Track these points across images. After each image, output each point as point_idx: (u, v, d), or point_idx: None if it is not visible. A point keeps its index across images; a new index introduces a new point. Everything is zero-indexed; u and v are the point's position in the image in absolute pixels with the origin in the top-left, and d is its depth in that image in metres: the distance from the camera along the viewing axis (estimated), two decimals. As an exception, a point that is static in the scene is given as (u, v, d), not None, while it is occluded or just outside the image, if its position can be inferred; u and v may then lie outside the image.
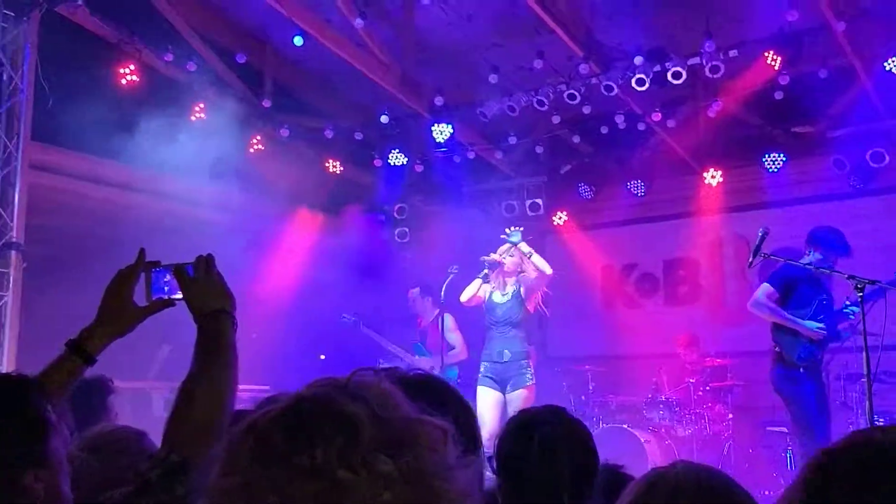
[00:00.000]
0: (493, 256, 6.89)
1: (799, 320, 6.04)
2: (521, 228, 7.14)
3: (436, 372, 7.91)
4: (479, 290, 6.90)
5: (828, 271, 5.81)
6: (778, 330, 6.11)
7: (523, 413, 2.30)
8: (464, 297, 6.93)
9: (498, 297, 6.90)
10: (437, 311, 8.11)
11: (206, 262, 1.96)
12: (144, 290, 2.00)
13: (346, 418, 0.95)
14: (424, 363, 7.95)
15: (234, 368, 1.80)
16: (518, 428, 2.20)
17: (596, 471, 2.15)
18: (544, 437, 2.14)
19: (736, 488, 1.60)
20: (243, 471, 0.94)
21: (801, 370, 5.88)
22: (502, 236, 7.08)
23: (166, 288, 2.01)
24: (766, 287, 6.19)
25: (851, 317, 5.82)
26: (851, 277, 5.26)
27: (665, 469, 1.64)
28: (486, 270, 6.84)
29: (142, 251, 2.02)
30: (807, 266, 5.86)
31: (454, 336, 8.07)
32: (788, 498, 1.17)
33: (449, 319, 7.99)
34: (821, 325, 5.94)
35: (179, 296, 1.97)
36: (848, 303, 5.89)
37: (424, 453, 0.96)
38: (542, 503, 2.05)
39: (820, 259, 5.92)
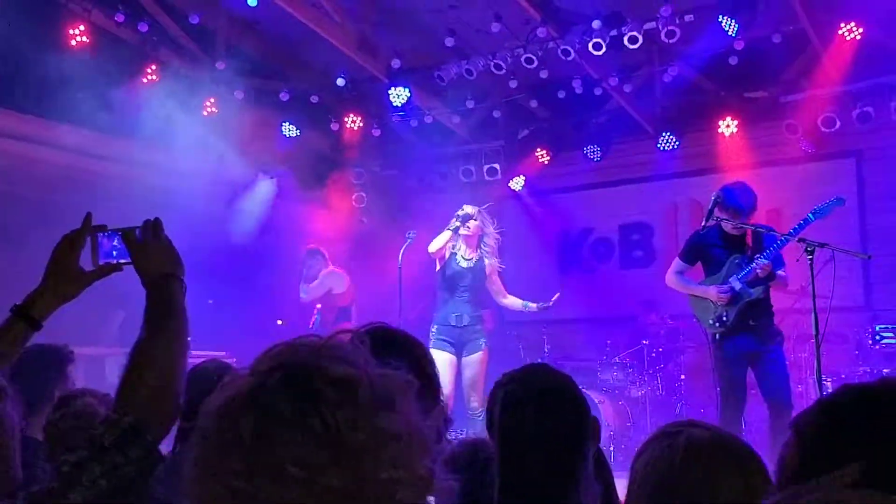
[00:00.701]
0: (467, 210, 6.78)
1: (697, 286, 6.04)
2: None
3: None
4: (447, 242, 6.81)
5: (747, 229, 5.75)
6: (691, 300, 6.13)
7: (512, 373, 2.25)
8: (432, 248, 6.79)
9: (462, 262, 6.83)
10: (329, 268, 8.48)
11: (155, 226, 1.93)
12: (91, 254, 1.96)
13: (343, 381, 0.97)
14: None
15: (185, 332, 1.78)
16: (510, 387, 2.16)
17: (588, 426, 2.13)
18: (538, 390, 2.12)
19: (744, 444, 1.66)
20: (247, 448, 0.94)
21: (717, 336, 5.86)
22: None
23: (115, 252, 1.97)
24: (675, 260, 6.25)
25: (759, 270, 5.63)
26: (801, 240, 5.36)
27: (678, 426, 1.69)
28: (457, 223, 6.73)
29: (88, 215, 1.98)
30: (704, 227, 5.80)
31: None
32: (788, 458, 1.20)
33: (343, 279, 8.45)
34: (723, 286, 5.80)
35: (127, 260, 1.93)
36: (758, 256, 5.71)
37: (407, 408, 0.99)
38: (540, 459, 2.04)
39: (724, 219, 5.72)
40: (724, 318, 5.82)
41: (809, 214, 5.60)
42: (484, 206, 6.97)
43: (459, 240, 6.82)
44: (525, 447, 2.05)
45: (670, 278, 6.24)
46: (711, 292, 5.87)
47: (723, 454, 1.61)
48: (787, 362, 5.95)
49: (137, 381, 1.65)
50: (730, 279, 5.80)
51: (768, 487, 1.46)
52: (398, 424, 0.97)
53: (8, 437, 1.60)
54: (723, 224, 5.74)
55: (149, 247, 1.90)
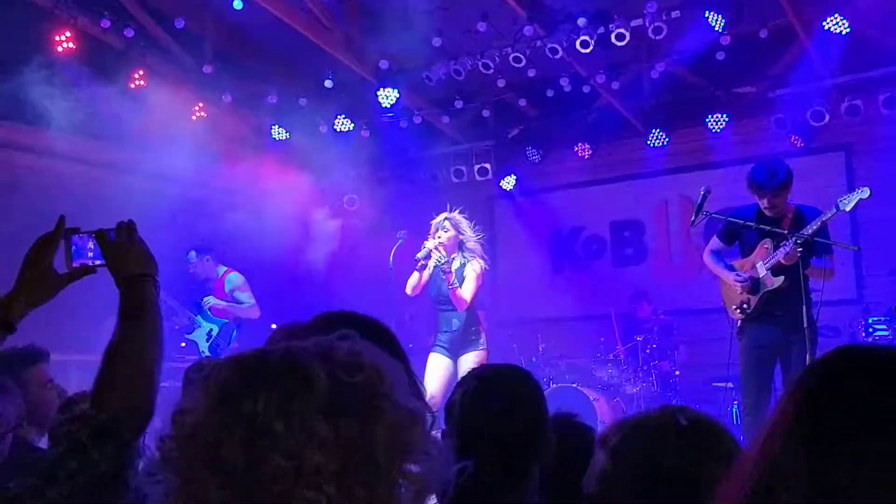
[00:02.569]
0: (423, 252, 6.69)
1: (723, 269, 5.86)
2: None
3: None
4: (420, 278, 6.76)
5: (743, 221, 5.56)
6: (721, 283, 5.97)
7: (476, 370, 2.32)
8: (409, 291, 6.79)
9: (443, 276, 6.69)
10: (222, 267, 8.29)
11: (128, 228, 1.95)
12: (65, 257, 1.97)
13: (301, 374, 0.97)
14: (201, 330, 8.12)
15: (159, 331, 1.80)
16: (471, 384, 2.22)
17: (544, 426, 2.17)
18: (498, 391, 2.17)
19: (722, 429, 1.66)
20: (200, 408, 0.97)
21: (740, 322, 5.72)
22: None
23: (90, 254, 1.98)
24: (713, 238, 6.08)
25: (782, 257, 5.34)
26: (791, 234, 5.36)
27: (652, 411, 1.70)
28: (421, 261, 6.70)
29: (61, 218, 1.98)
30: (694, 223, 5.68)
31: (244, 295, 8.25)
32: (773, 432, 1.10)
33: (238, 278, 8.26)
34: (740, 275, 5.64)
35: (101, 262, 1.95)
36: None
37: (375, 428, 0.98)
38: (492, 460, 2.07)
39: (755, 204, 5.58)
40: (746, 306, 5.65)
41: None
42: (456, 210, 6.87)
43: (435, 252, 6.76)
44: (479, 444, 2.09)
45: (706, 256, 6.05)
46: (731, 279, 5.71)
47: (712, 437, 1.61)
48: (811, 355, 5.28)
49: (112, 379, 1.67)
50: (756, 264, 5.61)
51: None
52: (347, 437, 0.97)
53: None
54: (759, 204, 5.51)
55: (122, 248, 1.92)
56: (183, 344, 8.14)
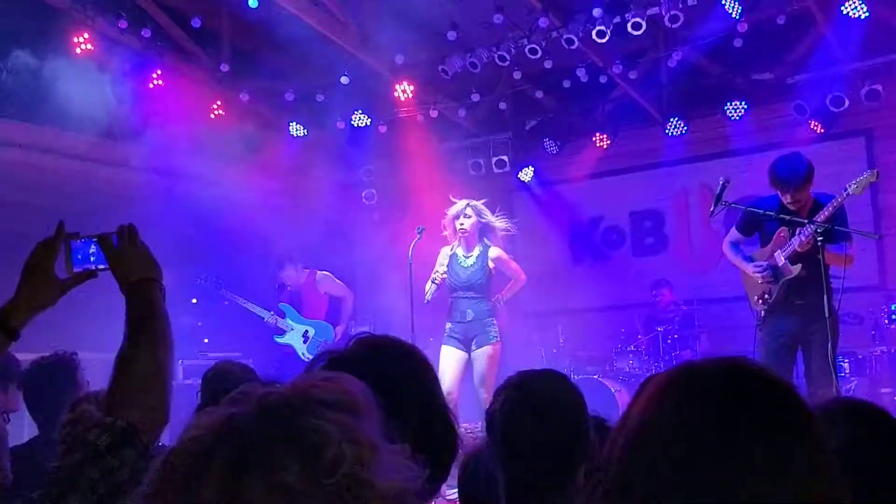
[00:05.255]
0: (434, 283, 6.73)
1: (743, 260, 5.83)
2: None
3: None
4: (434, 290, 6.75)
5: (761, 211, 5.54)
6: (742, 275, 5.93)
7: (514, 378, 2.31)
8: (427, 298, 6.78)
9: (463, 262, 6.76)
10: (307, 271, 8.33)
11: (130, 231, 1.94)
12: (65, 261, 1.96)
13: (284, 487, 0.86)
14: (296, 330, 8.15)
15: (168, 335, 1.79)
16: (511, 393, 2.21)
17: (587, 434, 2.17)
18: (538, 399, 2.17)
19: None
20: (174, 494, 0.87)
21: (762, 313, 5.68)
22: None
23: (92, 258, 1.98)
24: (731, 229, 6.04)
25: (797, 245, 5.33)
26: (812, 222, 5.32)
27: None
28: (436, 277, 6.74)
29: (61, 223, 1.97)
30: (713, 213, 5.59)
31: (338, 285, 8.36)
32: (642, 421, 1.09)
33: (325, 275, 8.34)
34: (759, 264, 5.61)
35: (104, 266, 1.95)
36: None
37: (360, 473, 0.89)
38: (536, 466, 2.08)
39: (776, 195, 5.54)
40: (767, 297, 5.63)
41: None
42: (481, 201, 6.89)
43: (456, 241, 6.78)
44: (523, 453, 2.10)
45: (725, 247, 6.02)
46: (749, 269, 5.70)
47: None
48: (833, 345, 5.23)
49: (125, 386, 1.67)
50: (775, 254, 5.58)
51: None
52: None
53: None
54: (783, 199, 5.47)
55: (125, 252, 1.92)
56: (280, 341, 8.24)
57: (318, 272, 8.39)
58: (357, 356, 1.60)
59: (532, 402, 2.16)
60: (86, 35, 7.40)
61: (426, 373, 1.64)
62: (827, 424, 1.22)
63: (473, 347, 6.65)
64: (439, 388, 1.65)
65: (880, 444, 1.46)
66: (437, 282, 6.74)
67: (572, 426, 2.14)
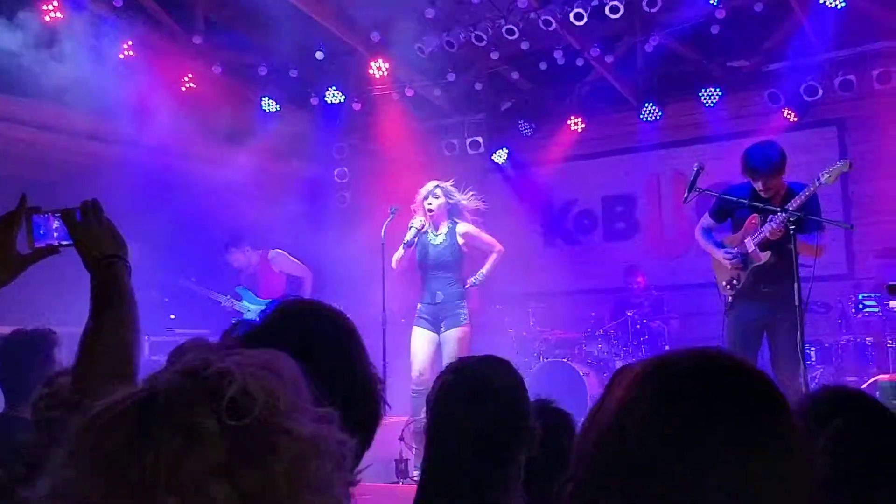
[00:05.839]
0: (411, 233, 6.68)
1: (714, 246, 5.85)
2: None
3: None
4: (405, 254, 6.72)
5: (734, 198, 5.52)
6: (712, 260, 5.96)
7: (453, 363, 2.32)
8: (393, 265, 6.76)
9: (431, 239, 6.74)
10: (259, 252, 8.27)
11: (94, 207, 1.89)
12: (27, 236, 1.90)
13: (189, 427, 0.84)
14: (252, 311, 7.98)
15: (134, 313, 1.76)
16: (447, 378, 2.22)
17: (526, 419, 2.15)
18: (472, 384, 2.16)
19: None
20: (81, 477, 0.85)
21: (729, 298, 5.72)
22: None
23: (56, 234, 1.92)
24: (704, 215, 6.06)
25: (768, 232, 5.34)
26: (784, 210, 5.32)
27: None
28: (407, 238, 6.68)
29: (23, 197, 1.91)
30: (686, 199, 5.59)
31: (294, 263, 8.31)
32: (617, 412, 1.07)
33: (279, 253, 8.26)
34: (729, 251, 5.64)
35: (68, 242, 1.89)
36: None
37: (275, 471, 0.86)
38: (464, 450, 2.07)
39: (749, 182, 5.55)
40: (735, 282, 5.67)
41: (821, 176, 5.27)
42: (448, 182, 6.86)
43: (426, 221, 6.74)
44: (453, 437, 2.10)
45: (697, 233, 6.05)
46: (719, 255, 5.73)
47: None
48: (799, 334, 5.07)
49: (91, 364, 1.64)
50: (745, 241, 5.60)
51: None
52: (251, 491, 0.85)
53: None
54: (755, 185, 5.48)
55: (90, 228, 1.86)
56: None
57: (271, 251, 8.29)
58: (274, 322, 1.59)
59: (466, 386, 2.16)
60: (55, 3, 7.24)
61: (349, 338, 1.62)
62: (819, 413, 1.22)
63: (443, 329, 6.64)
64: (363, 352, 1.63)
65: (873, 431, 1.47)
66: (406, 244, 6.68)
67: (507, 411, 2.13)
